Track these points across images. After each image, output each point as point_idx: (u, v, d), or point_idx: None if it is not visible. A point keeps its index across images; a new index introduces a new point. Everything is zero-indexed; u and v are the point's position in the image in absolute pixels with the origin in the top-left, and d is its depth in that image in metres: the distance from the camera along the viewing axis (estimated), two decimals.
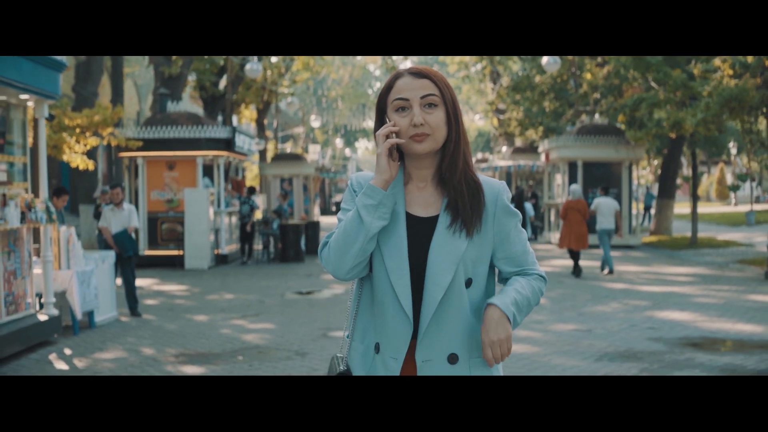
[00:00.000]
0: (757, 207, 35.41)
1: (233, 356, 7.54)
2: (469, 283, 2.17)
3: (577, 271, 13.83)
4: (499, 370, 2.25)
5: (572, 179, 20.64)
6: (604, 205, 13.97)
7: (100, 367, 7.18)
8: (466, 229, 2.13)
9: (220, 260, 17.34)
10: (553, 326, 8.99)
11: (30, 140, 8.92)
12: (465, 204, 2.14)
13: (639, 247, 20.09)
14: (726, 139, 36.56)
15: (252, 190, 19.52)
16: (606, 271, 14.06)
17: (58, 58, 8.49)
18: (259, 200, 24.13)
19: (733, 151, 39.89)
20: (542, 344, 7.98)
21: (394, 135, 2.13)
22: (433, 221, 2.17)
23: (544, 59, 21.73)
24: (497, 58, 27.67)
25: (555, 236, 21.48)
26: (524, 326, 9.01)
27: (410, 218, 2.18)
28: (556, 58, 21.71)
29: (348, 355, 2.25)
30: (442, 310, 2.13)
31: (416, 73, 2.16)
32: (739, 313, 9.81)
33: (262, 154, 31.27)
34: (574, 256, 13.83)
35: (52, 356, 7.73)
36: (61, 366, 7.32)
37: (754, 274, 14.09)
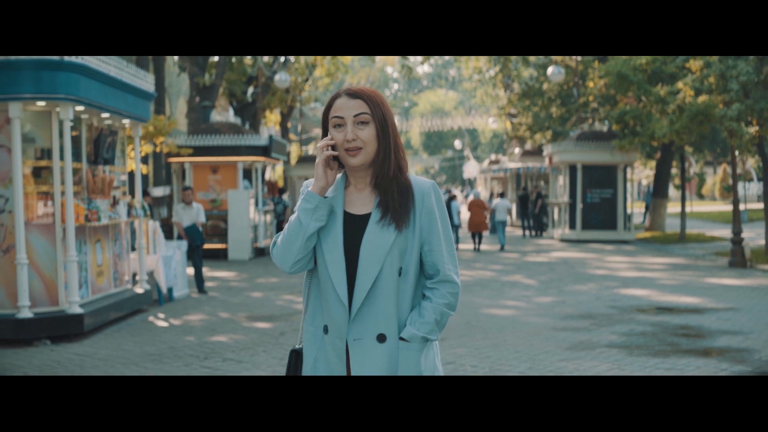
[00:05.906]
0: (756, 206, 37.35)
1: (291, 317, 10.01)
2: (400, 272, 2.44)
3: (478, 247, 20.31)
4: (435, 348, 2.52)
5: (573, 181, 22.94)
6: (500, 204, 21.39)
7: (192, 325, 9.66)
8: (395, 223, 2.40)
9: (258, 252, 19.81)
10: (536, 299, 11.39)
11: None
12: (394, 201, 2.42)
13: (632, 242, 22.32)
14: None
15: (282, 191, 22.00)
16: (499, 248, 20.31)
17: (150, 90, 10.97)
18: (285, 198, 26.54)
19: (736, 152, 41.73)
20: (524, 310, 10.40)
21: (330, 148, 2.44)
22: (367, 218, 2.45)
23: (550, 69, 24.00)
24: (510, 64, 29.84)
25: (558, 232, 23.89)
26: (512, 298, 11.43)
27: (348, 216, 2.48)
28: (561, 68, 23.96)
29: (302, 335, 2.57)
30: (373, 295, 2.41)
31: (351, 94, 2.43)
32: (689, 290, 12.13)
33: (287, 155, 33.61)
34: (479, 237, 20.27)
35: (151, 318, 10.21)
36: (161, 324, 9.81)
37: (722, 263, 16.33)
